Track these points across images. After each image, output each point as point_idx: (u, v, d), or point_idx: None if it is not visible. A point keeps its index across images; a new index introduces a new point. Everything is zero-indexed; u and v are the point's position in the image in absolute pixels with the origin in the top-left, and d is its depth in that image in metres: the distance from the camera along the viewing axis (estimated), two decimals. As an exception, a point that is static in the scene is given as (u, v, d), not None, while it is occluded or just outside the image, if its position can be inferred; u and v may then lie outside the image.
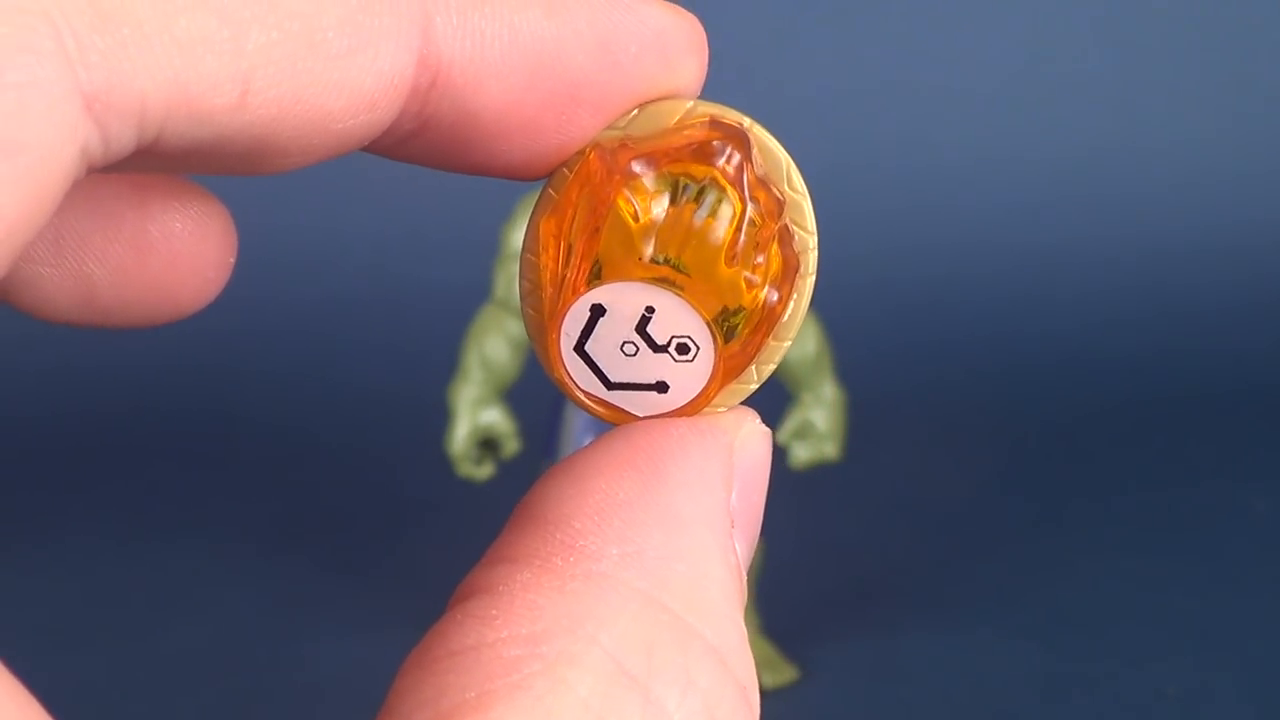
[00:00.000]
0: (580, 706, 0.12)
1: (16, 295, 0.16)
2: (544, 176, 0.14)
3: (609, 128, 0.13)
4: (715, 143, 0.13)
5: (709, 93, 0.15)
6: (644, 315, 0.13)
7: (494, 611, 0.13)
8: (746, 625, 0.15)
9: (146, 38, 0.11)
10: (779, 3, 1.34)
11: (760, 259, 0.13)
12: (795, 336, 0.14)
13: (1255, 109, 1.35)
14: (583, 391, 0.14)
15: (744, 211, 0.13)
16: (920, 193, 1.27)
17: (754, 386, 0.14)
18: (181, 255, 0.17)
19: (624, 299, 0.13)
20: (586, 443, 0.16)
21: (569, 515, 0.13)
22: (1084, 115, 1.33)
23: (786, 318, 0.14)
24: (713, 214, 0.13)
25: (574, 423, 0.63)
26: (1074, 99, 1.34)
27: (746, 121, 0.13)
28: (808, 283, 0.14)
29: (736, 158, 0.13)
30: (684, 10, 0.14)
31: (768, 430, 0.15)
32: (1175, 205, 1.29)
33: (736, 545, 0.14)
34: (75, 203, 0.16)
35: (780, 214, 0.13)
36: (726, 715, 0.13)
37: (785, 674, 0.61)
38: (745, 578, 0.14)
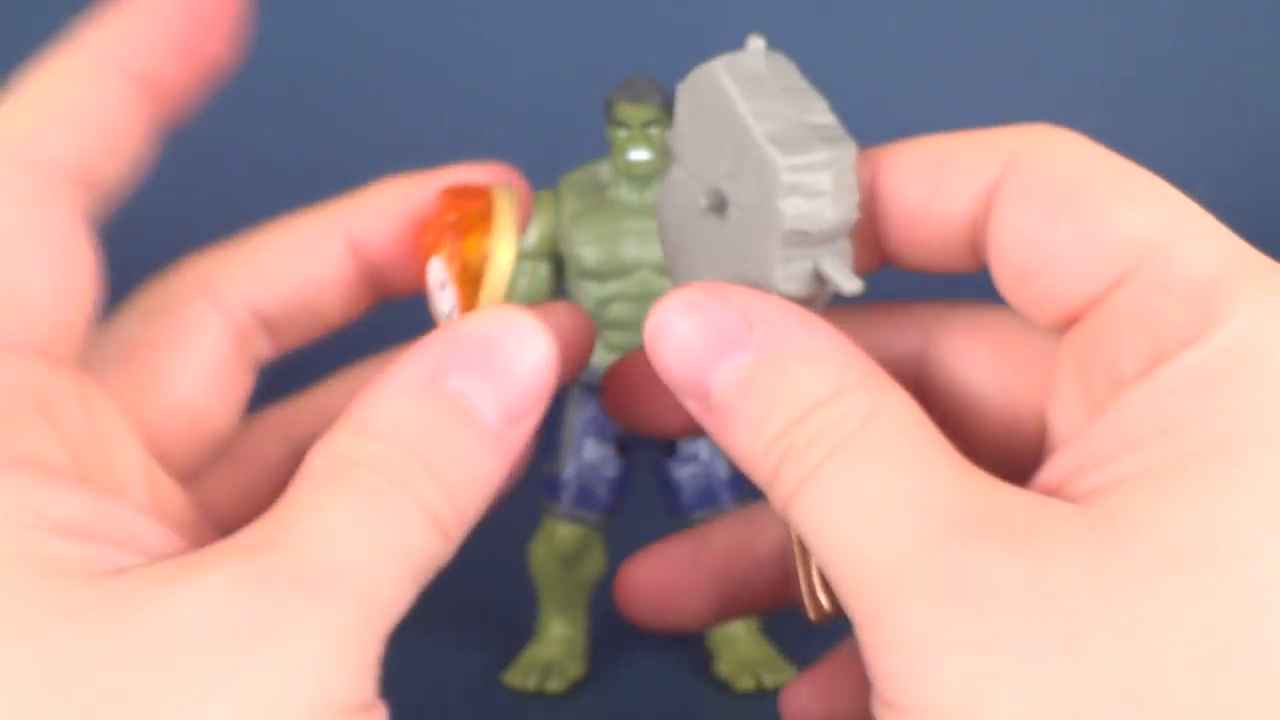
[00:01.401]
0: None
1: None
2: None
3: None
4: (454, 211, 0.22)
5: None
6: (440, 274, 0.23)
7: None
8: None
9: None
10: (780, 4, 1.34)
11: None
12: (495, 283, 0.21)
13: (1256, 109, 1.35)
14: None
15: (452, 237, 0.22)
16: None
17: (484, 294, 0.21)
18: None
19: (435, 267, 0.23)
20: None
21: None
22: (1086, 117, 1.33)
23: (486, 277, 0.21)
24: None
25: (574, 422, 0.63)
26: (1076, 101, 1.34)
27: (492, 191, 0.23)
28: (493, 263, 0.20)
29: (453, 216, 0.22)
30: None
31: (503, 319, 0.19)
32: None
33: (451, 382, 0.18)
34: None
35: (466, 236, 0.21)
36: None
37: (785, 674, 0.61)
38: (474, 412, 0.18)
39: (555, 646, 0.69)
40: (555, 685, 0.68)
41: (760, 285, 0.19)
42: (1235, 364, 0.16)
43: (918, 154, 0.20)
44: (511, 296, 0.78)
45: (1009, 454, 0.20)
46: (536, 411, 0.19)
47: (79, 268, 0.18)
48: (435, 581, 0.21)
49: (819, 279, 0.19)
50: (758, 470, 0.18)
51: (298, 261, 0.19)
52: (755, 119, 0.19)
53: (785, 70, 0.20)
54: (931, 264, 0.19)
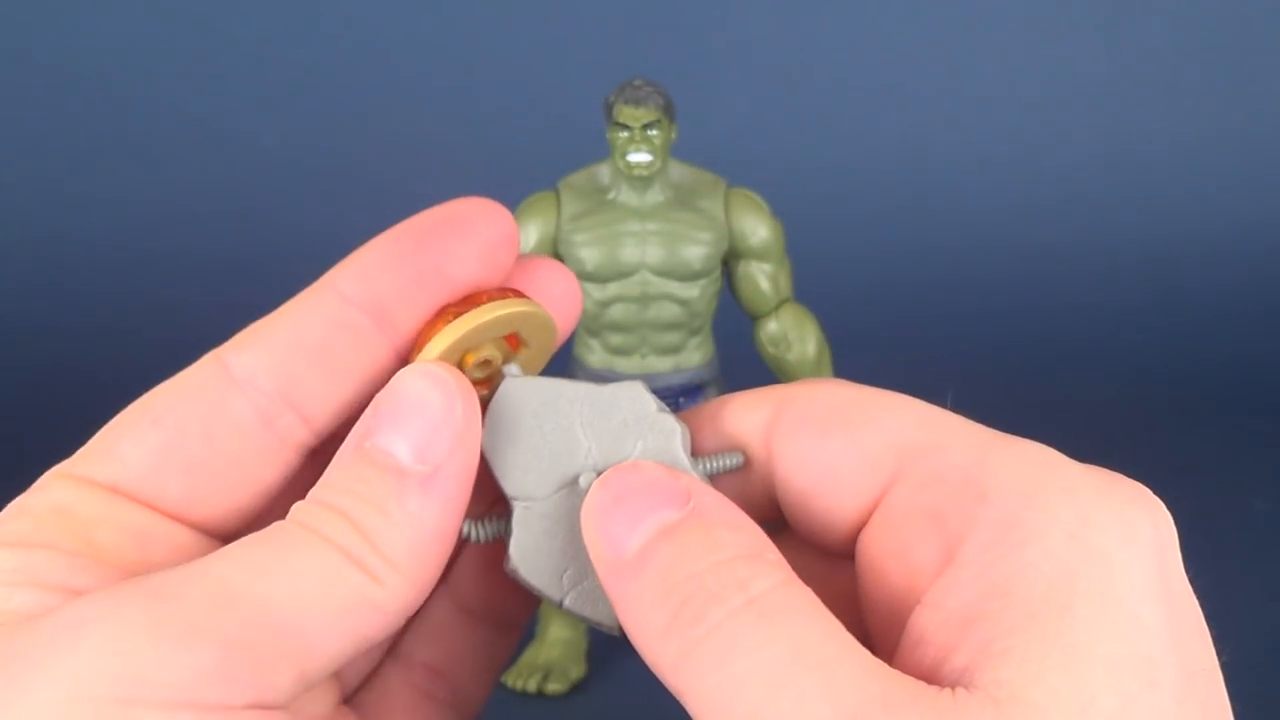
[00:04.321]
0: None
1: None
2: None
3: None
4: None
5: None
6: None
7: None
8: None
9: None
10: (780, 4, 1.34)
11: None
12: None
13: (1256, 109, 1.35)
14: None
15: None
16: (920, 194, 1.27)
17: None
18: None
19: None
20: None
21: None
22: (1085, 117, 1.33)
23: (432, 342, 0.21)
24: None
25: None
26: (1075, 100, 1.34)
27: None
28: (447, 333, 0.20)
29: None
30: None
31: (429, 372, 0.19)
32: (1176, 206, 1.29)
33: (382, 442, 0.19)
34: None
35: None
36: None
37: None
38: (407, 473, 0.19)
39: (555, 648, 0.69)
40: (555, 687, 0.68)
41: None
42: (1025, 533, 0.18)
43: (704, 411, 0.21)
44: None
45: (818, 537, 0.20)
46: (461, 454, 0.19)
47: (236, 460, 0.19)
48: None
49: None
50: (651, 617, 0.18)
51: (298, 328, 0.19)
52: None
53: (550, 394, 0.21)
54: (758, 521, 0.20)
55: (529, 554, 0.21)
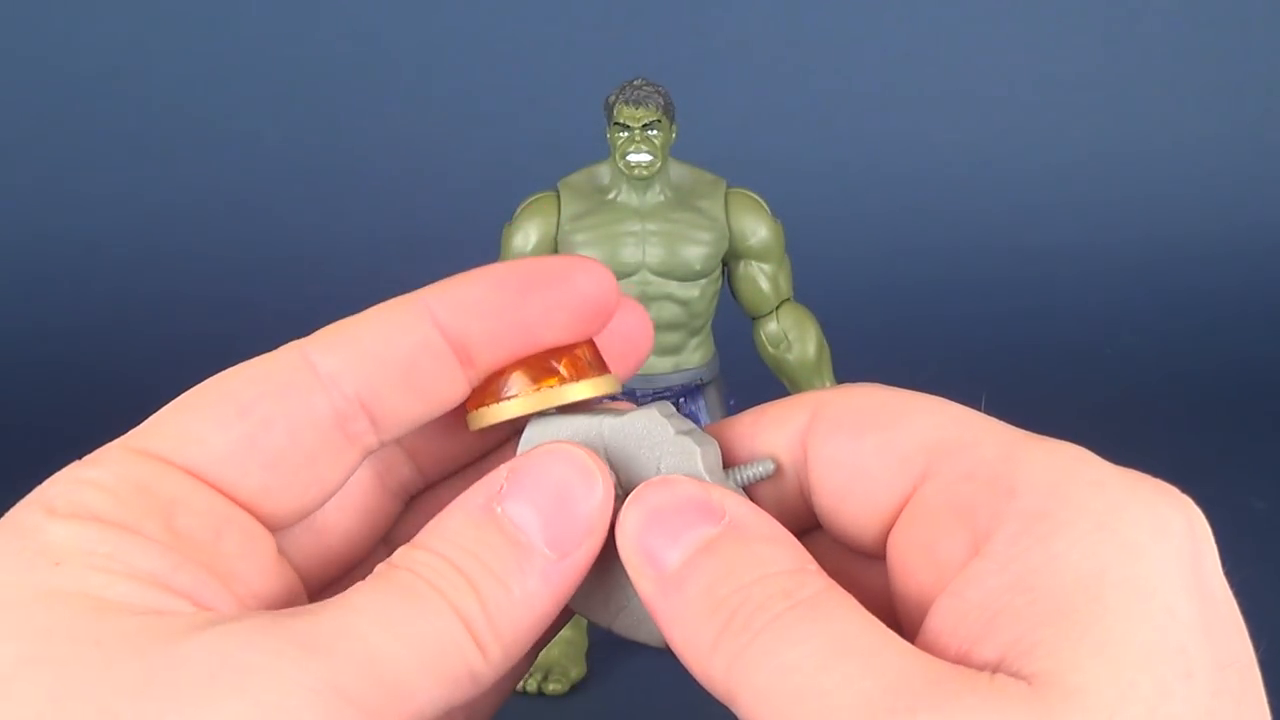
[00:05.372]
0: None
1: None
2: None
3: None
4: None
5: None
6: None
7: None
8: None
9: None
10: (780, 4, 1.34)
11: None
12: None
13: (1256, 110, 1.35)
14: None
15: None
16: (920, 194, 1.28)
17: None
18: None
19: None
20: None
21: None
22: (1085, 117, 1.33)
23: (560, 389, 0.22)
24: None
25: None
26: (1075, 101, 1.34)
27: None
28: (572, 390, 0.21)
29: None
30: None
31: (562, 451, 0.20)
32: (1176, 207, 1.29)
33: (507, 509, 0.19)
34: None
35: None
36: None
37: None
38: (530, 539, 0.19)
39: (556, 648, 0.69)
40: (556, 687, 0.68)
41: None
42: (1053, 524, 0.18)
43: (741, 421, 0.22)
44: None
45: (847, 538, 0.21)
46: (589, 545, 0.19)
47: (311, 457, 0.19)
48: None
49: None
50: (699, 631, 0.18)
51: (388, 340, 0.20)
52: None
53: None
54: (787, 525, 0.20)
55: (577, 588, 0.21)
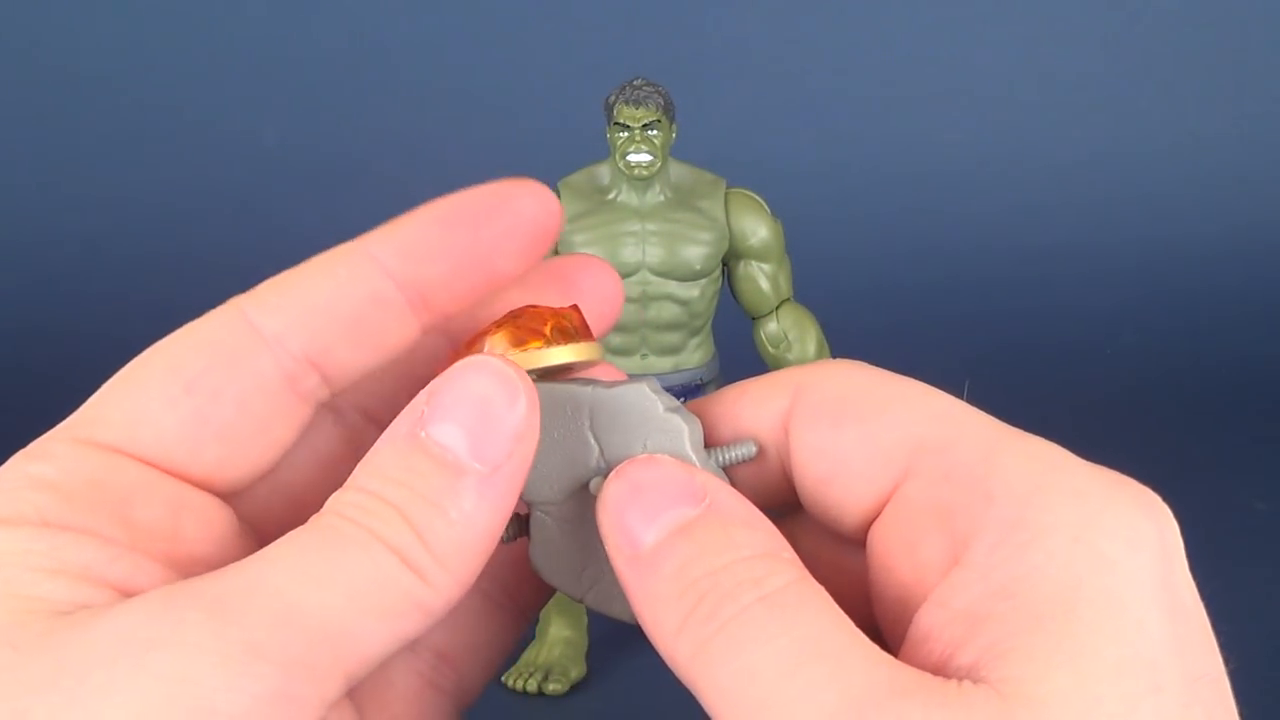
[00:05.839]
0: None
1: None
2: None
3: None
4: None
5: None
6: None
7: None
8: None
9: None
10: (780, 4, 1.34)
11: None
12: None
13: (1256, 110, 1.35)
14: None
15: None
16: (920, 194, 1.27)
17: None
18: None
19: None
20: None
21: None
22: (1085, 117, 1.33)
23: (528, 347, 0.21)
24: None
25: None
26: (1075, 101, 1.34)
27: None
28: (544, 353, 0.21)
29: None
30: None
31: (487, 363, 0.19)
32: (1176, 207, 1.29)
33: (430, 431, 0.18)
34: None
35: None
36: None
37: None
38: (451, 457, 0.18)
39: (555, 648, 0.69)
40: (556, 687, 0.68)
41: None
42: (1030, 534, 0.18)
43: (721, 399, 0.22)
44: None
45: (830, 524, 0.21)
46: (520, 453, 0.19)
47: (263, 423, 0.19)
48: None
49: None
50: (667, 612, 0.18)
51: (333, 294, 0.19)
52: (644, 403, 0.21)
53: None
54: (768, 503, 0.20)
55: (549, 556, 0.21)
